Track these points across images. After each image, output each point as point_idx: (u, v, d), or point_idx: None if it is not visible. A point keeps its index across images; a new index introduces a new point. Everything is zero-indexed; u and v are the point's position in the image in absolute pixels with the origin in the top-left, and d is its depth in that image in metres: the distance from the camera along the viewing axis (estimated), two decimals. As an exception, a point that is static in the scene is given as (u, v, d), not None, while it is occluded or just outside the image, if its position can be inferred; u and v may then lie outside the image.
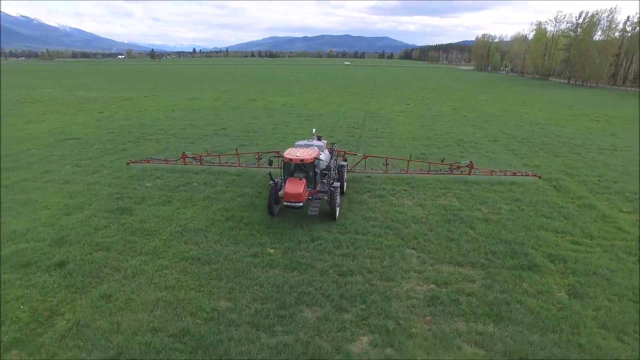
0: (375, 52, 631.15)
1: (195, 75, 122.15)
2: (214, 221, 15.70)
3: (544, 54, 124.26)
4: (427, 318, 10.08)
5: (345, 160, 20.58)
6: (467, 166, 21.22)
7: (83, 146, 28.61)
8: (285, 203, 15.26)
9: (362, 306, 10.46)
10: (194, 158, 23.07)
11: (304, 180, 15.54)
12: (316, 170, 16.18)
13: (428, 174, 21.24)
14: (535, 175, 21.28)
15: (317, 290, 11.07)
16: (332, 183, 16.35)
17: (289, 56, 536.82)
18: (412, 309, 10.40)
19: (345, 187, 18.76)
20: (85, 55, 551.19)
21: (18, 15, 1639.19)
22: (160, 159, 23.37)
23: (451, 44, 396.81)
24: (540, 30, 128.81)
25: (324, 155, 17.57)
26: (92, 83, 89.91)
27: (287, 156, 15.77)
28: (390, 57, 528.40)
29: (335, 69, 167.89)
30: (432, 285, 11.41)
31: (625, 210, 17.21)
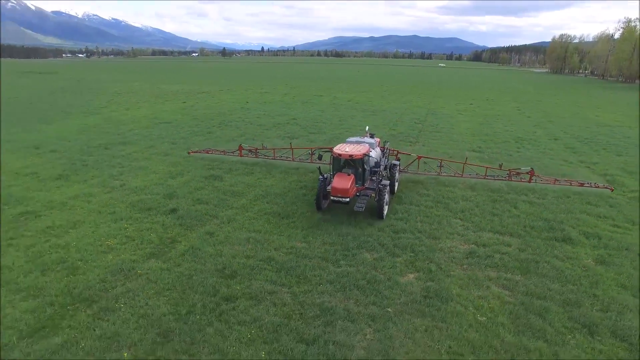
0: (443, 54, 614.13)
1: (264, 72, 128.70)
2: (290, 189, 18.78)
3: (632, 55, 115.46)
4: (464, 266, 12.26)
5: (398, 159, 20.44)
6: (527, 173, 19.77)
7: (175, 128, 33.25)
8: (332, 198, 15.25)
9: (411, 254, 12.87)
10: (249, 150, 23.75)
11: (352, 176, 15.40)
12: (365, 166, 16.02)
13: (484, 178, 20.00)
14: (607, 188, 19.14)
15: (375, 240, 13.62)
16: (381, 181, 16.13)
17: (354, 56, 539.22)
18: (452, 259, 12.64)
19: (396, 187, 18.52)
20: (163, 53, 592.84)
21: (110, 18, 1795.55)
22: (218, 150, 24.26)
23: (525, 45, 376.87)
24: (628, 29, 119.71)
25: (375, 153, 17.48)
26: (172, 78, 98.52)
27: (336, 151, 15.79)
28: (459, 58, 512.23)
29: (399, 69, 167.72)
30: (472, 245, 13.52)
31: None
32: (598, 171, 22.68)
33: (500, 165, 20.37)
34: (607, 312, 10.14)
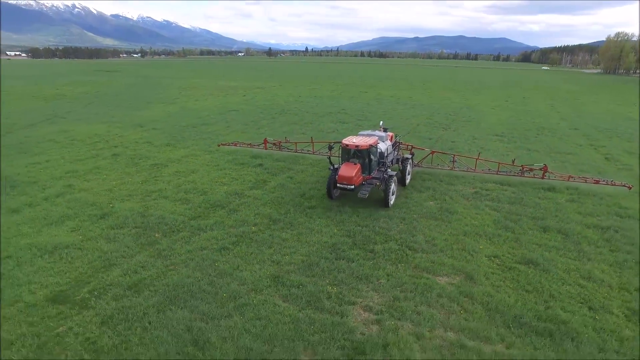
0: (490, 54, 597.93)
1: (310, 71, 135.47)
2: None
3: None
4: (469, 199, 17.49)
5: (412, 154, 20.87)
6: (540, 169, 19.90)
7: (243, 115, 39.87)
8: (338, 185, 16.32)
9: (432, 192, 18.23)
10: (274, 144, 25.30)
11: (358, 165, 16.38)
12: (371, 157, 16.93)
13: (496, 173, 20.40)
14: (625, 186, 18.68)
15: (400, 182, 19.04)
16: (387, 171, 17.09)
17: (398, 57, 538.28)
18: (462, 196, 17.90)
19: (408, 180, 19.53)
20: (210, 52, 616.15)
21: (162, 19, 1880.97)
22: (245, 143, 26.13)
23: (580, 45, 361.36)
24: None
25: (384, 145, 18.41)
26: (226, 75, 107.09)
27: (344, 142, 16.74)
28: (506, 59, 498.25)
29: (442, 70, 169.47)
30: (477, 189, 18.69)
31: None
32: (602, 151, 26.83)
33: (513, 161, 20.89)
34: (560, 223, 15.12)
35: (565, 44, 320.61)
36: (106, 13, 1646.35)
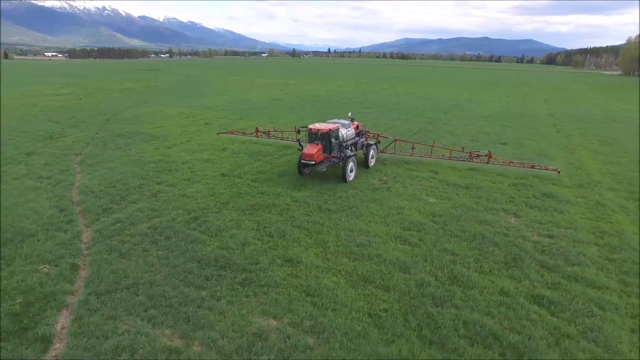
0: (514, 56, 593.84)
1: (335, 70, 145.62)
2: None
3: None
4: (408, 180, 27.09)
5: (379, 141, 24.51)
6: (485, 155, 22.77)
7: (286, 103, 50.11)
8: (302, 161, 19.70)
9: (377, 173, 27.89)
10: (264, 132, 28.50)
11: (320, 146, 19.68)
12: (331, 140, 20.19)
13: (449, 159, 23.54)
14: (554, 170, 21.61)
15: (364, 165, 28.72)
16: (347, 152, 20.48)
17: (420, 58, 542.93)
18: (398, 175, 27.49)
19: (372, 163, 22.80)
20: (234, 53, 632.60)
21: (187, 20, 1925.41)
22: (240, 132, 29.90)
23: (606, 47, 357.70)
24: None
25: (344, 131, 21.50)
26: (257, 74, 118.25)
27: (309, 127, 20.23)
28: (530, 61, 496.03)
29: (462, 71, 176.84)
30: (424, 172, 28.29)
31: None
32: (558, 128, 35.89)
33: (463, 148, 24.27)
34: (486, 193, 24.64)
35: (595, 46, 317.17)
36: (134, 14, 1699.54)
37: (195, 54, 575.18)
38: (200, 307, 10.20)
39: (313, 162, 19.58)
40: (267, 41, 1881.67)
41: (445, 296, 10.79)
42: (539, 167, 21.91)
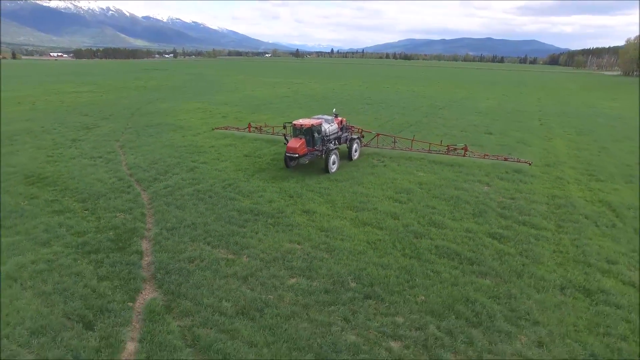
0: (517, 57, 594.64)
1: (338, 70, 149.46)
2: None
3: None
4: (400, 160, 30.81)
5: (363, 136, 25.96)
6: (462, 149, 24.08)
7: (294, 100, 53.94)
8: (286, 154, 21.02)
9: (367, 156, 31.65)
10: (256, 127, 30.26)
11: (303, 140, 20.89)
12: (314, 134, 21.40)
13: (428, 152, 24.93)
14: (526, 162, 23.08)
15: (348, 157, 32.45)
16: (330, 146, 21.86)
17: (423, 59, 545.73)
18: (392, 157, 31.20)
19: (355, 156, 24.21)
20: (238, 53, 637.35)
21: (191, 21, 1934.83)
22: (234, 127, 31.75)
23: (608, 47, 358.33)
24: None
25: (329, 126, 22.73)
26: (263, 73, 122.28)
27: (294, 122, 21.52)
28: (533, 62, 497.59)
29: (463, 71, 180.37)
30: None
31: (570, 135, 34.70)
32: (543, 122, 39.53)
33: (441, 142, 25.97)
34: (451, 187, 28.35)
35: (599, 46, 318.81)
36: (138, 15, 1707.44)
37: (199, 54, 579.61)
38: (244, 237, 14.02)
39: (297, 155, 20.90)
40: (270, 41, 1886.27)
41: (424, 232, 14.58)
42: (511, 160, 23.38)
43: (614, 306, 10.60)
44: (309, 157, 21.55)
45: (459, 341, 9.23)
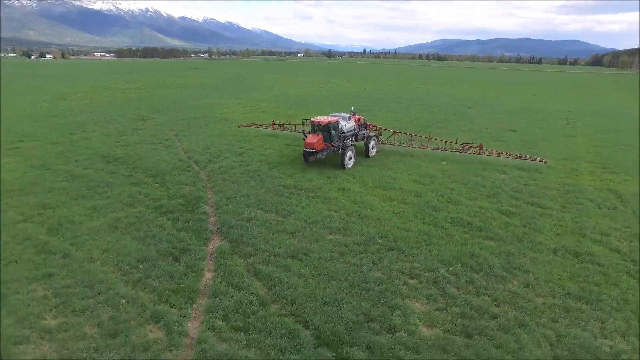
0: (556, 58, 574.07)
1: (370, 70, 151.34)
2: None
3: None
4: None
5: (380, 134, 26.81)
6: (477, 147, 24.39)
7: (328, 98, 56.77)
8: (304, 149, 21.99)
9: (370, 161, 33.74)
10: (279, 125, 31.00)
11: (320, 136, 21.87)
12: (331, 131, 22.26)
13: (444, 150, 25.33)
14: (541, 161, 23.40)
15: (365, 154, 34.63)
16: (346, 142, 22.56)
17: (457, 60, 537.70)
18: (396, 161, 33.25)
19: (372, 153, 24.94)
20: (271, 53, 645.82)
21: (225, 21, 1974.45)
22: (259, 124, 32.46)
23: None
24: None
25: (345, 124, 23.50)
26: (296, 72, 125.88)
27: (312, 119, 22.57)
28: (574, 63, 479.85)
29: (495, 72, 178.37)
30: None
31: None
32: (569, 121, 40.63)
33: (456, 140, 26.03)
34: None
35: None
36: (174, 15, 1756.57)
37: (233, 53, 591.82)
38: (289, 205, 16.92)
39: (314, 150, 21.74)
40: (302, 41, 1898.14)
41: (442, 207, 17.05)
42: (526, 158, 23.73)
43: (597, 264, 12.78)
44: (325, 153, 22.58)
45: (462, 280, 11.73)
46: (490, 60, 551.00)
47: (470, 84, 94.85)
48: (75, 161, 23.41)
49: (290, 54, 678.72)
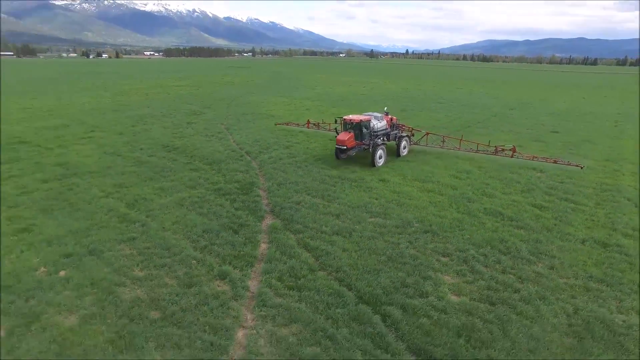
0: (614, 58, 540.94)
1: (412, 71, 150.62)
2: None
3: None
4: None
5: (413, 134, 27.08)
6: (510, 149, 24.30)
7: (370, 98, 58.00)
8: (336, 146, 22.68)
9: (400, 162, 34.27)
10: (314, 124, 31.82)
11: (352, 134, 22.58)
12: (362, 129, 22.84)
13: (476, 152, 25.30)
14: (577, 166, 22.78)
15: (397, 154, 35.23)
16: (377, 141, 23.14)
17: (503, 61, 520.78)
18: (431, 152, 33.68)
19: (402, 152, 25.35)
20: (313, 53, 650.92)
21: (269, 21, 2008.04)
22: (294, 123, 33.64)
23: None
24: None
25: (378, 123, 23.95)
26: (339, 72, 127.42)
27: (344, 117, 23.49)
28: (634, 64, 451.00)
29: (543, 74, 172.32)
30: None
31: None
32: (618, 124, 39.80)
33: (489, 142, 26.08)
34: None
35: None
36: (220, 16, 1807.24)
37: (275, 53, 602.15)
38: (334, 192, 18.62)
39: (345, 147, 22.43)
40: (344, 41, 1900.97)
41: (476, 199, 18.15)
42: (561, 162, 23.15)
43: (624, 255, 13.56)
44: (356, 150, 23.23)
45: (490, 260, 12.95)
46: (539, 61, 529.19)
47: (515, 85, 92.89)
48: (140, 149, 26.22)
49: (332, 54, 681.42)
